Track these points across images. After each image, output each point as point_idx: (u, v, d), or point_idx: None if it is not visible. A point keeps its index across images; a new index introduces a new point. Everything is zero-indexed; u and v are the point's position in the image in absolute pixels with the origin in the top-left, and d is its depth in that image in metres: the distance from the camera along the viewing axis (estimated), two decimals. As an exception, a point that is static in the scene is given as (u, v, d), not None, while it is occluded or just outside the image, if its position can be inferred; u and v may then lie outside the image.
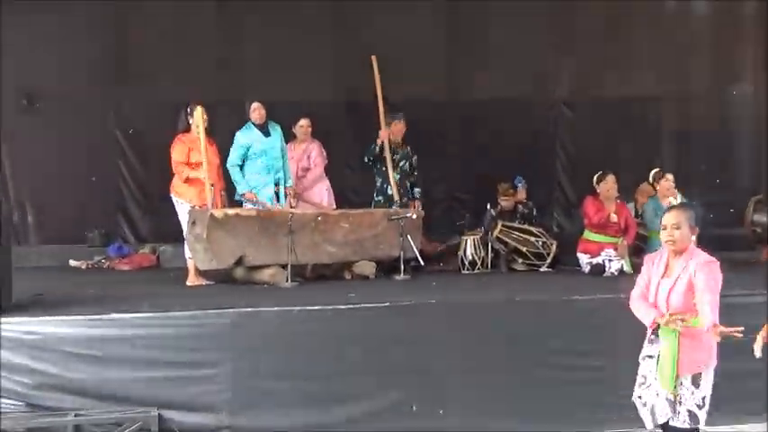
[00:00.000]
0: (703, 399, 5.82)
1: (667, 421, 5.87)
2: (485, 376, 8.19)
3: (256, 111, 10.56)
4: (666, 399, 5.85)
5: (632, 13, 15.61)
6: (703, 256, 5.83)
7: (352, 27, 14.39)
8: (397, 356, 8.08)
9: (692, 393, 5.82)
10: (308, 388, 7.90)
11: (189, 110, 10.24)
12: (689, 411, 5.81)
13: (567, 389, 8.27)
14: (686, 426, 5.82)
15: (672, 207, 6.25)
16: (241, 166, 10.53)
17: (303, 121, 11.18)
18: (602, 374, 8.20)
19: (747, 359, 5.70)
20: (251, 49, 13.99)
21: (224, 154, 10.63)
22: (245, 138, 10.51)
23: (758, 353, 5.66)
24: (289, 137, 11.26)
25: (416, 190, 11.57)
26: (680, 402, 5.83)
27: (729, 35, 16.28)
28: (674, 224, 5.84)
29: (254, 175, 10.52)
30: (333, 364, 7.98)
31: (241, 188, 10.48)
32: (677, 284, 5.79)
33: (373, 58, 11.25)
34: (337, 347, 8.03)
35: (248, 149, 10.49)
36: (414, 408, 8.07)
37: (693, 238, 5.91)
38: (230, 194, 10.96)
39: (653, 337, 5.95)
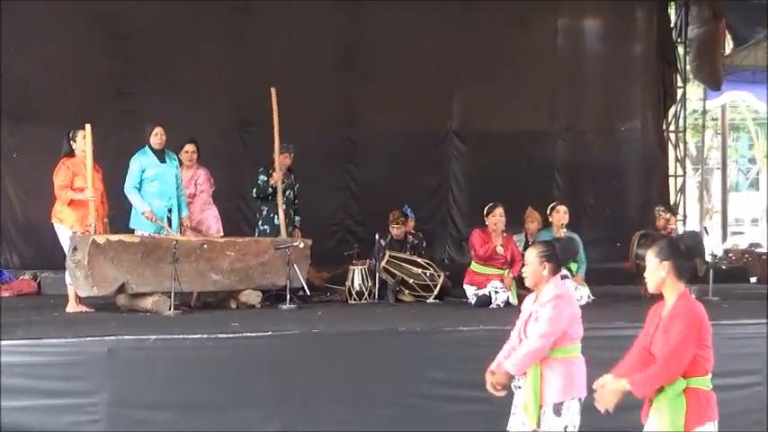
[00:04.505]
0: (565, 428, 5.90)
1: None
2: (368, 407, 8.11)
3: (158, 135, 10.36)
4: (531, 429, 5.95)
5: (526, 49, 15.86)
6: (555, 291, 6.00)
7: (248, 52, 14.34)
8: (279, 387, 7.97)
9: (554, 422, 5.90)
10: (186, 419, 7.73)
11: (71, 135, 10.01)
12: None
13: (451, 420, 8.23)
14: None
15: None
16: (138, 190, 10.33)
17: (188, 147, 10.98)
18: (486, 407, 8.14)
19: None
20: (144, 74, 13.85)
21: (109, 179, 10.44)
22: (141, 162, 10.32)
23: None
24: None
25: (297, 218, 11.51)
26: (542, 431, 5.92)
27: (619, 74, 16.63)
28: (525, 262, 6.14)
29: (146, 200, 10.31)
30: (213, 395, 7.82)
31: (142, 208, 10.21)
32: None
33: (272, 90, 11.10)
34: (218, 377, 7.87)
35: (143, 173, 10.29)
36: (295, 439, 7.97)
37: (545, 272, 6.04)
38: (119, 223, 10.78)
39: None
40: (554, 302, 5.90)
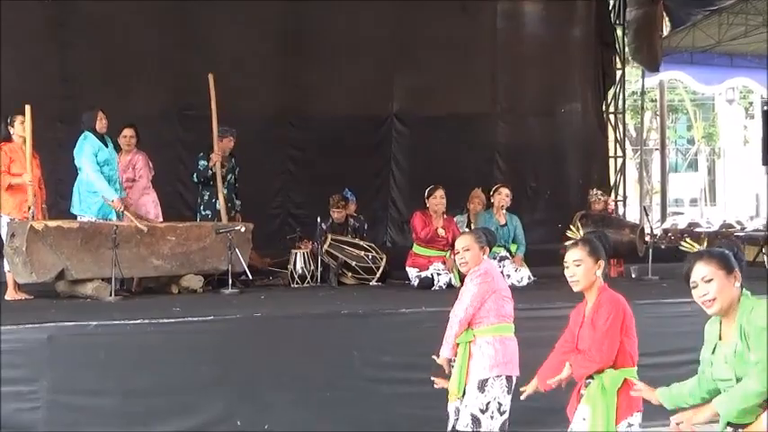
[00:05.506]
0: (487, 404, 6.08)
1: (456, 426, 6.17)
2: (311, 390, 8.11)
3: (103, 119, 10.25)
4: (455, 405, 6.18)
5: (466, 33, 15.88)
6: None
7: (187, 37, 14.22)
8: (222, 371, 7.94)
9: (476, 398, 6.10)
10: (128, 405, 7.67)
11: (9, 120, 9.90)
12: (471, 415, 6.10)
13: (395, 403, 8.25)
14: (468, 429, 6.10)
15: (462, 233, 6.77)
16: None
17: (127, 131, 10.86)
18: (429, 388, 8.18)
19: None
20: (81, 59, 13.69)
21: (47, 165, 10.33)
22: (92, 146, 10.16)
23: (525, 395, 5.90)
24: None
25: (237, 203, 11.49)
26: (465, 406, 6.13)
27: (559, 57, 16.72)
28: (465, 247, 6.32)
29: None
30: (155, 380, 7.77)
31: (110, 195, 10.08)
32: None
33: (210, 75, 11.05)
34: (159, 362, 7.83)
35: (95, 157, 10.17)
36: (239, 423, 7.92)
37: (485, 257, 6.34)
38: (57, 209, 10.68)
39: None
40: (475, 278, 6.20)
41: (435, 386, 6.41)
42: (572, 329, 5.54)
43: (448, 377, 6.33)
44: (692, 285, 4.53)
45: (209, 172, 11.06)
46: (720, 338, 4.52)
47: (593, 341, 5.28)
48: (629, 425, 5.26)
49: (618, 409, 5.25)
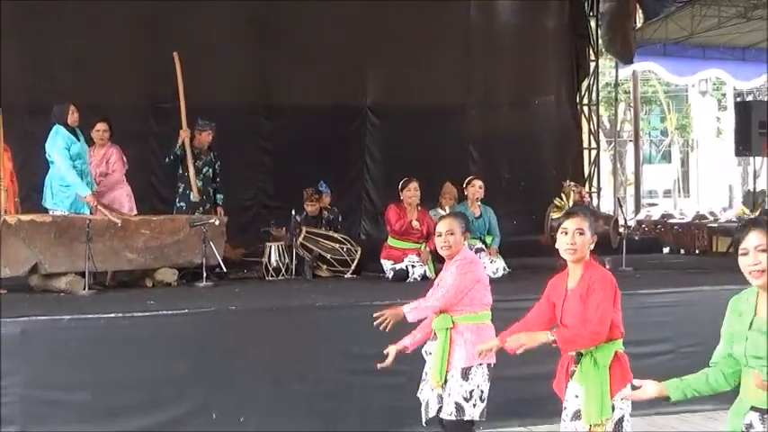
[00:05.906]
0: (471, 392, 6.07)
1: (439, 414, 6.13)
2: (286, 383, 8.12)
3: (75, 113, 10.17)
4: (437, 392, 6.13)
5: (440, 24, 15.89)
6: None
7: (159, 29, 14.16)
8: (197, 364, 7.94)
9: (461, 386, 6.08)
10: (103, 398, 7.66)
11: (-18, 114, 9.87)
12: (456, 403, 6.07)
13: (369, 394, 8.26)
14: (452, 417, 6.08)
15: (442, 216, 6.71)
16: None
17: (100, 125, 10.81)
18: (404, 379, 8.19)
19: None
20: (54, 51, 13.61)
21: (19, 158, 10.27)
22: (65, 140, 10.06)
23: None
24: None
25: (219, 196, 11.49)
26: (448, 394, 6.10)
27: (533, 48, 16.75)
28: (449, 231, 6.25)
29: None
30: (130, 373, 7.76)
31: (83, 191, 9.99)
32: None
33: (175, 54, 11.05)
34: (134, 356, 7.81)
35: (68, 151, 10.09)
36: (214, 416, 7.92)
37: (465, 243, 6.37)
38: (29, 203, 10.63)
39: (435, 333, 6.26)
40: (461, 266, 6.17)
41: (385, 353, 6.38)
42: (551, 302, 5.49)
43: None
44: (741, 252, 4.27)
45: (179, 151, 11.05)
46: (756, 313, 4.29)
47: (585, 317, 5.21)
48: (624, 397, 5.24)
49: (611, 382, 5.21)
